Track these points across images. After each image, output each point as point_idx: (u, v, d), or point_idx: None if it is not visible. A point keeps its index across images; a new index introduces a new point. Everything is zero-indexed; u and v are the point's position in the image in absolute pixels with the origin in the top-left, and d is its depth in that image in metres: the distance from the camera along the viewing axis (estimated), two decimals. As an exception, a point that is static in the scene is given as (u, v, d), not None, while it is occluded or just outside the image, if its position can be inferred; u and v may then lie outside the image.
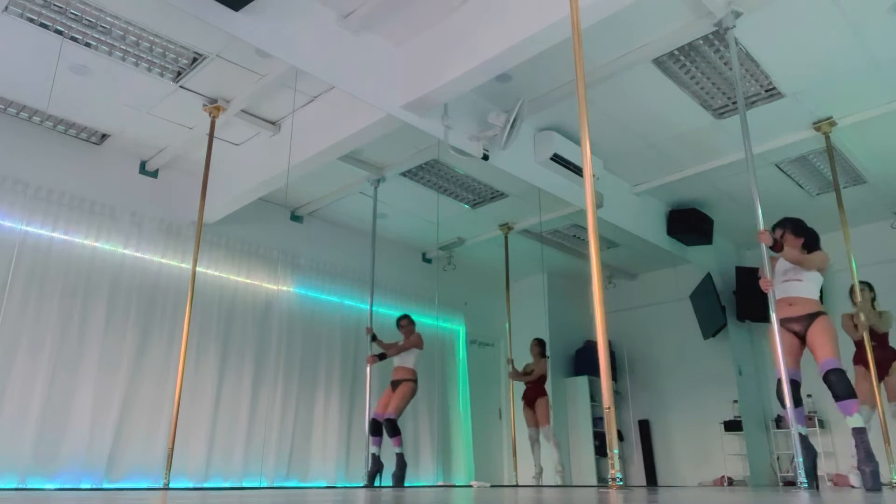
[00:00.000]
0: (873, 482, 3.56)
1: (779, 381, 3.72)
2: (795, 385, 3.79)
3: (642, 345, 8.63)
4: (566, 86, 4.97)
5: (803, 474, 3.50)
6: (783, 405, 3.70)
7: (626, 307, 8.60)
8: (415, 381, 5.86)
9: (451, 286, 7.72)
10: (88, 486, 4.94)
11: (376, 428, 5.72)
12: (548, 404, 6.84)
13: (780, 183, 6.41)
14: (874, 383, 5.02)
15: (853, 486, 5.17)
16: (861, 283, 5.26)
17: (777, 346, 3.71)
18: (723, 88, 5.11)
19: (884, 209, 6.80)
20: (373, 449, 5.70)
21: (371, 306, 5.95)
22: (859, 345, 5.31)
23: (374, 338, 5.94)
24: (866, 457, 3.60)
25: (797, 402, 3.78)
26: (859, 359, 5.28)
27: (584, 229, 5.46)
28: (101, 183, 5.62)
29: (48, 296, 5.10)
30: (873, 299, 5.42)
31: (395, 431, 5.65)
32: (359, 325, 6.56)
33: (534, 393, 6.90)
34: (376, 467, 5.64)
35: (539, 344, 7.09)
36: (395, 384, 5.87)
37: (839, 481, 6.68)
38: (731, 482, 7.43)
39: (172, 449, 4.65)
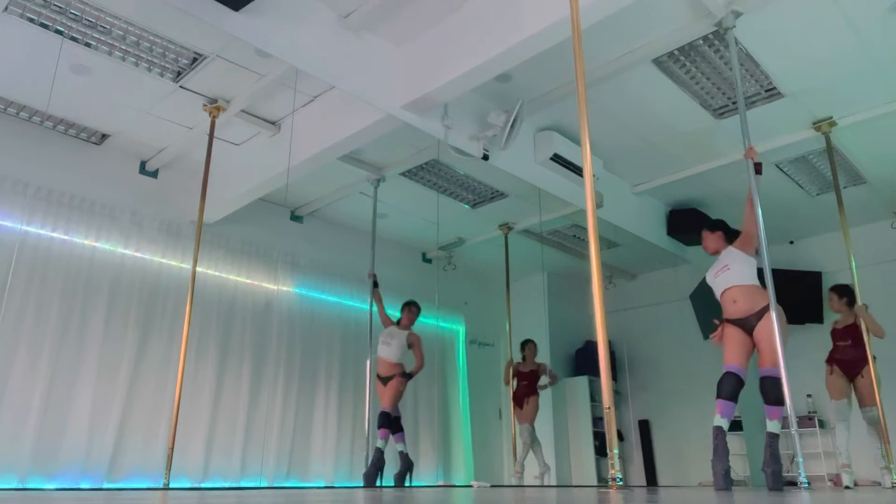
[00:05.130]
0: (774, 482, 3.73)
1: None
2: (740, 383, 3.78)
3: (642, 345, 8.62)
4: (566, 86, 4.97)
5: (804, 474, 3.51)
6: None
7: (626, 307, 8.59)
8: (403, 374, 5.67)
9: (451, 286, 7.72)
10: (88, 487, 4.94)
11: (385, 420, 5.48)
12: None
13: (780, 183, 6.40)
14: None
15: (846, 487, 5.16)
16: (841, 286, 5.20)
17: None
18: (723, 88, 5.11)
19: (884, 209, 6.79)
20: (379, 443, 5.43)
21: (371, 306, 5.94)
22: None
23: (375, 283, 5.92)
24: (771, 458, 3.75)
25: (733, 397, 3.75)
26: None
27: (584, 229, 5.46)
28: (100, 183, 5.62)
29: (48, 296, 5.11)
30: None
31: (393, 427, 5.52)
32: (358, 326, 6.56)
33: (525, 391, 6.89)
34: (379, 463, 5.38)
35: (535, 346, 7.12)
36: (383, 380, 5.70)
37: (839, 482, 6.67)
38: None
39: (172, 449, 4.65)
